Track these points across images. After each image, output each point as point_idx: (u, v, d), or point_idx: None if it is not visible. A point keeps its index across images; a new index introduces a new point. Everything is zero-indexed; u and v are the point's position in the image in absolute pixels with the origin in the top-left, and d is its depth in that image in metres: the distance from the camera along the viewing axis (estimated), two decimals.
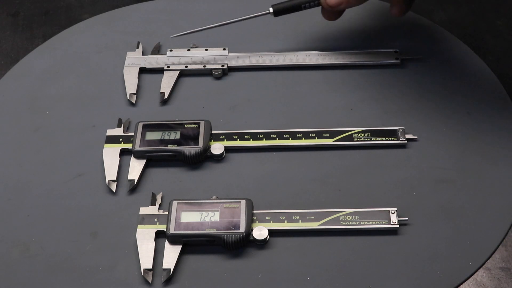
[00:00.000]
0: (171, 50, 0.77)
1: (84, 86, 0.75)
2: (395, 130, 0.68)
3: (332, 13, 0.71)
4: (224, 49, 0.76)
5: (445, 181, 0.65)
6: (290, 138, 0.68)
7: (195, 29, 0.74)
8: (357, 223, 0.61)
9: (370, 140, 0.67)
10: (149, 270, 0.59)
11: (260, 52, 0.75)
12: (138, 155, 0.67)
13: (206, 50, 0.76)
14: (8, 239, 0.63)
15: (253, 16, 0.72)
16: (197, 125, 0.68)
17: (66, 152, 0.69)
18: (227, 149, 0.68)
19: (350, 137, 0.68)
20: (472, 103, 0.71)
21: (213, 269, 0.60)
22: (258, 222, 0.61)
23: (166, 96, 0.73)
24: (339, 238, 0.61)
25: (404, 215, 0.62)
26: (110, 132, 0.69)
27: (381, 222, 0.61)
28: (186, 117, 0.70)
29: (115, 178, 0.66)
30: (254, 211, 0.62)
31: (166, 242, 0.61)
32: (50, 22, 0.84)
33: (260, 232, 0.61)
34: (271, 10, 0.70)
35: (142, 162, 0.67)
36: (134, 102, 0.73)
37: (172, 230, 0.60)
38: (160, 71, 0.75)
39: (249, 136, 0.68)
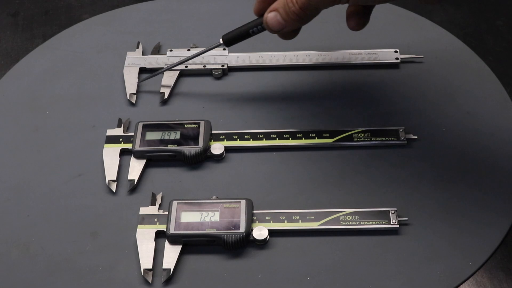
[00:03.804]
0: (171, 50, 0.77)
1: (84, 86, 0.75)
2: (395, 130, 0.68)
3: (282, 35, 0.65)
4: (224, 49, 0.76)
5: (445, 181, 0.65)
6: (290, 138, 0.68)
7: (158, 71, 0.73)
8: (357, 223, 0.61)
9: (370, 140, 0.67)
10: (149, 270, 0.59)
11: (260, 52, 0.75)
12: (138, 155, 0.67)
13: None
14: (8, 239, 0.63)
15: (208, 49, 0.70)
16: (197, 125, 0.68)
17: (66, 152, 0.69)
18: (227, 149, 0.68)
19: (350, 137, 0.68)
20: (472, 103, 0.71)
21: (213, 269, 0.60)
22: (258, 222, 0.61)
23: (166, 96, 0.73)
24: (339, 238, 0.61)
25: (404, 215, 0.62)
26: (110, 132, 0.69)
27: (381, 222, 0.61)
28: (186, 117, 0.70)
29: (115, 178, 0.66)
30: (254, 211, 0.62)
31: (166, 242, 0.61)
32: (50, 22, 0.84)
33: (260, 232, 0.61)
34: (221, 41, 0.68)
35: (142, 162, 0.67)
36: (134, 102, 0.73)
37: (172, 230, 0.60)
38: None
39: (249, 136, 0.68)
